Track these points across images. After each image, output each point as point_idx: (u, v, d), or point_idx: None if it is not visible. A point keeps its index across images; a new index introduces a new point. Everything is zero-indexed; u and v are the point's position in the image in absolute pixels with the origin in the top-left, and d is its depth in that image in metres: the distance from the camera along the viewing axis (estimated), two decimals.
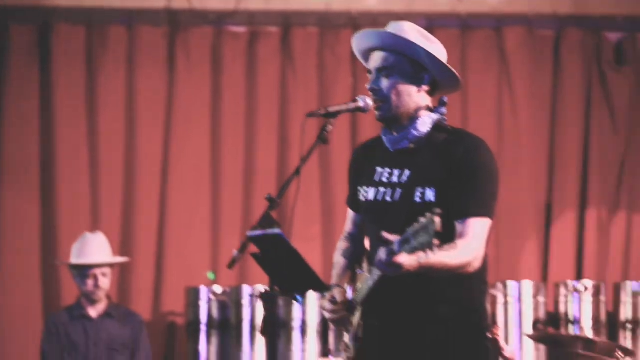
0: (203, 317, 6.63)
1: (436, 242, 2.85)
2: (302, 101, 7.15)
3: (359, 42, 3.48)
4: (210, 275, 6.89)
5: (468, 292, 3.39)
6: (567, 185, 7.41)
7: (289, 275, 3.26)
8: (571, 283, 6.69)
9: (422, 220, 2.90)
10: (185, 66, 7.19)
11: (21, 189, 7.03)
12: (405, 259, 3.02)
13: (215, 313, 6.62)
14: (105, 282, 6.05)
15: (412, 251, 2.93)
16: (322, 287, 3.22)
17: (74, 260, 6.08)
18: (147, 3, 7.18)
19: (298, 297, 3.31)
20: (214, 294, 6.62)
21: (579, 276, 7.26)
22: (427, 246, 2.87)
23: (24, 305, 6.94)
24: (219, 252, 7.14)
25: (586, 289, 6.60)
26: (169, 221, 7.14)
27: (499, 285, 6.62)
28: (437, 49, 3.42)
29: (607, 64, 7.45)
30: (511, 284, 6.65)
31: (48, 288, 7.01)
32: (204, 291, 6.65)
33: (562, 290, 6.65)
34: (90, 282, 6.00)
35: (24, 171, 7.04)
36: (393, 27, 3.45)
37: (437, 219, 2.85)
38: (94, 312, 6.06)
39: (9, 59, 7.08)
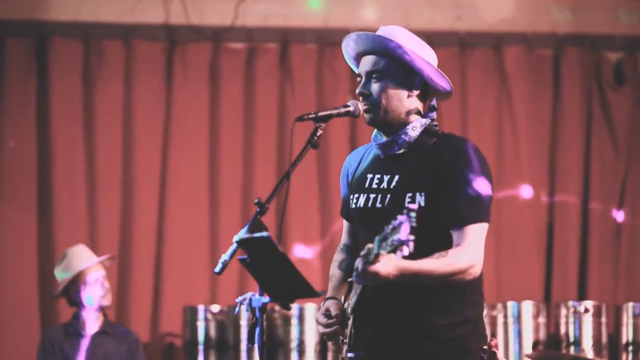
0: (200, 337, 6.55)
1: (411, 237, 2.78)
2: None
3: (349, 45, 3.45)
4: None
5: (458, 301, 3.33)
6: (568, 206, 7.36)
7: (277, 281, 3.21)
8: (572, 304, 6.63)
9: (399, 216, 2.84)
10: (183, 81, 7.15)
11: (18, 204, 6.96)
12: (380, 267, 2.98)
13: (212, 333, 6.55)
14: (107, 285, 5.97)
15: (392, 248, 2.85)
16: (311, 292, 3.15)
17: (68, 275, 5.96)
18: (145, 18, 7.14)
19: (288, 303, 3.23)
20: (212, 313, 6.55)
21: (581, 297, 7.20)
22: (403, 242, 2.80)
23: (21, 319, 6.86)
24: None
25: (587, 310, 6.53)
26: (167, 239, 7.07)
27: (499, 306, 6.57)
28: (428, 53, 3.39)
29: (606, 83, 7.42)
30: (511, 305, 6.59)
31: (45, 302, 6.91)
32: (201, 310, 6.57)
33: (563, 311, 6.59)
34: (97, 289, 5.91)
35: (21, 186, 6.98)
36: (384, 31, 3.42)
37: (413, 214, 2.79)
38: (89, 328, 5.99)
39: (5, 73, 7.03)
